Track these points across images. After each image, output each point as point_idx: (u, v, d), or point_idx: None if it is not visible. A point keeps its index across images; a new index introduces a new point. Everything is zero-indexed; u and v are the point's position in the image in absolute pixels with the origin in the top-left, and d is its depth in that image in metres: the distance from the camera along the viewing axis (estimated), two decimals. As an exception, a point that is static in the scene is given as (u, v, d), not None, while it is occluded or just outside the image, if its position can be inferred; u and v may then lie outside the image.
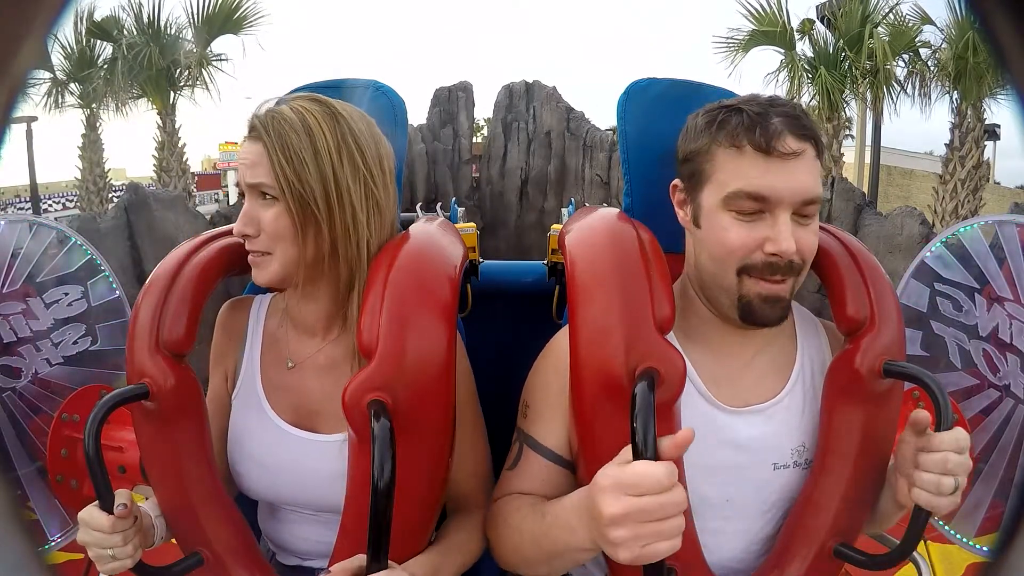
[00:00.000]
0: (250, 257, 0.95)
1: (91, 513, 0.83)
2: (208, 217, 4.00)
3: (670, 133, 1.01)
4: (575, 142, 5.77)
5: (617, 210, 1.08)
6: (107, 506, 0.83)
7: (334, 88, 1.12)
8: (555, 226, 1.45)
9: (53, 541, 1.81)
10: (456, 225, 1.30)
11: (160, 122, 8.54)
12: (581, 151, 5.74)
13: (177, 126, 8.60)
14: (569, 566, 0.86)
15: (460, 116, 5.80)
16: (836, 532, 0.89)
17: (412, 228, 1.01)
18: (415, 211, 1.39)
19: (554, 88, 6.01)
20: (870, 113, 8.68)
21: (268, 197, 0.92)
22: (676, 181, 0.94)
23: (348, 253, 0.93)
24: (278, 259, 0.93)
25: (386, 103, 1.14)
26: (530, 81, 6.09)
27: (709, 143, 0.87)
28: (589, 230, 0.98)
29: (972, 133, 7.44)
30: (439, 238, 1.01)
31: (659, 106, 1.08)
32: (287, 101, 0.94)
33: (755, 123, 0.83)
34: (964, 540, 1.86)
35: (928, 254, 1.92)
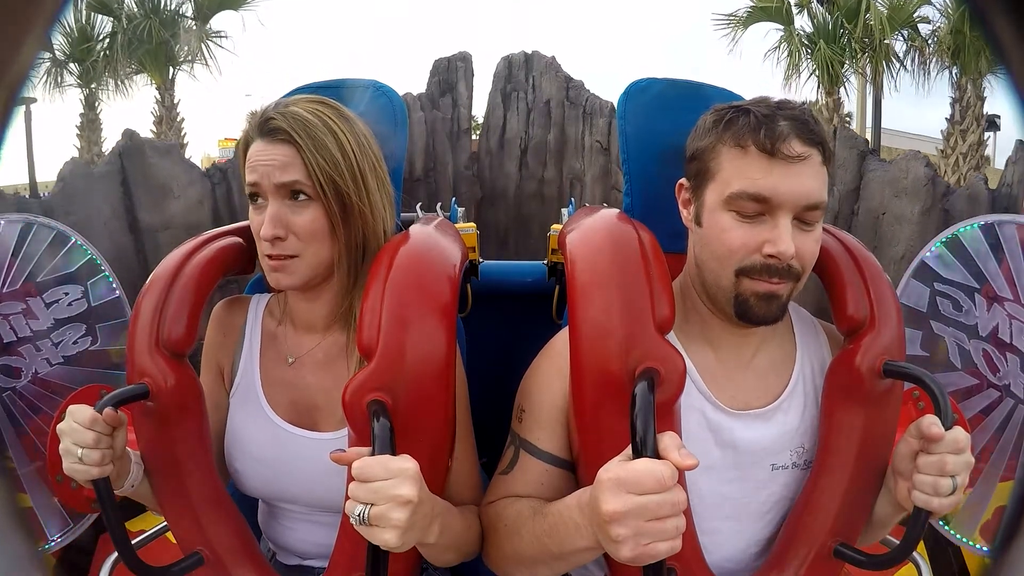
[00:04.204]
0: (273, 262, 0.92)
1: (79, 406, 0.82)
2: (204, 169, 3.89)
3: (670, 133, 1.02)
4: (575, 110, 5.73)
5: (617, 211, 1.08)
6: (108, 509, 0.82)
7: (334, 88, 1.12)
8: (555, 226, 1.45)
9: (53, 541, 1.81)
10: (456, 225, 1.30)
11: (158, 96, 8.52)
12: (581, 119, 5.70)
13: (176, 100, 8.58)
14: (571, 566, 0.86)
15: (459, 86, 5.75)
16: (836, 532, 0.89)
17: (412, 228, 1.02)
18: (415, 210, 1.39)
19: (553, 58, 5.98)
20: (870, 88, 8.71)
21: (301, 198, 0.91)
22: (682, 180, 0.94)
23: (371, 247, 0.96)
24: (307, 261, 0.93)
25: (386, 103, 1.14)
26: (529, 52, 6.05)
27: (715, 142, 0.87)
28: (589, 230, 0.98)
29: (972, 109, 7.46)
30: (439, 238, 1.01)
31: (659, 106, 1.09)
32: (295, 103, 0.94)
33: (761, 124, 0.83)
34: (964, 540, 1.86)
35: (928, 254, 1.92)
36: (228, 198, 3.85)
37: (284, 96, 1.07)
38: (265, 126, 0.92)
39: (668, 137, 1.02)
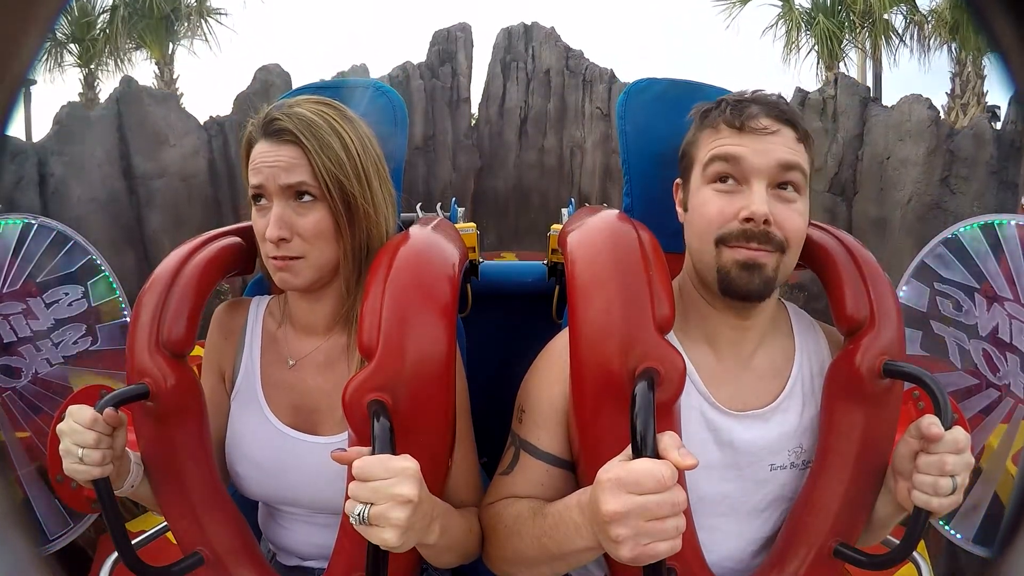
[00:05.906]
0: (278, 263, 0.93)
1: (79, 407, 0.82)
2: (202, 123, 3.82)
3: (670, 133, 1.02)
4: (575, 79, 5.76)
5: (617, 211, 1.08)
6: (108, 509, 0.82)
7: (333, 88, 1.12)
8: (555, 226, 1.45)
9: (53, 541, 1.81)
10: (456, 225, 1.30)
11: (158, 71, 8.51)
12: (580, 87, 5.73)
13: (175, 76, 8.58)
14: (572, 566, 0.86)
15: (459, 55, 5.76)
16: (836, 532, 0.88)
17: (411, 229, 1.02)
18: (415, 210, 1.39)
19: (552, 28, 6.00)
20: (870, 63, 8.71)
21: (307, 199, 0.91)
22: (677, 180, 0.97)
23: (374, 247, 0.96)
24: (312, 262, 0.93)
25: (386, 103, 1.15)
26: (528, 23, 6.07)
27: (695, 132, 0.93)
28: (589, 230, 0.98)
29: (972, 85, 7.48)
30: (439, 238, 1.01)
31: (659, 106, 1.09)
32: (299, 104, 0.94)
33: (733, 108, 0.89)
34: (964, 540, 1.86)
35: (928, 254, 1.92)
36: (225, 151, 3.81)
37: (284, 96, 1.07)
38: (270, 127, 0.92)
39: (668, 137, 1.03)
